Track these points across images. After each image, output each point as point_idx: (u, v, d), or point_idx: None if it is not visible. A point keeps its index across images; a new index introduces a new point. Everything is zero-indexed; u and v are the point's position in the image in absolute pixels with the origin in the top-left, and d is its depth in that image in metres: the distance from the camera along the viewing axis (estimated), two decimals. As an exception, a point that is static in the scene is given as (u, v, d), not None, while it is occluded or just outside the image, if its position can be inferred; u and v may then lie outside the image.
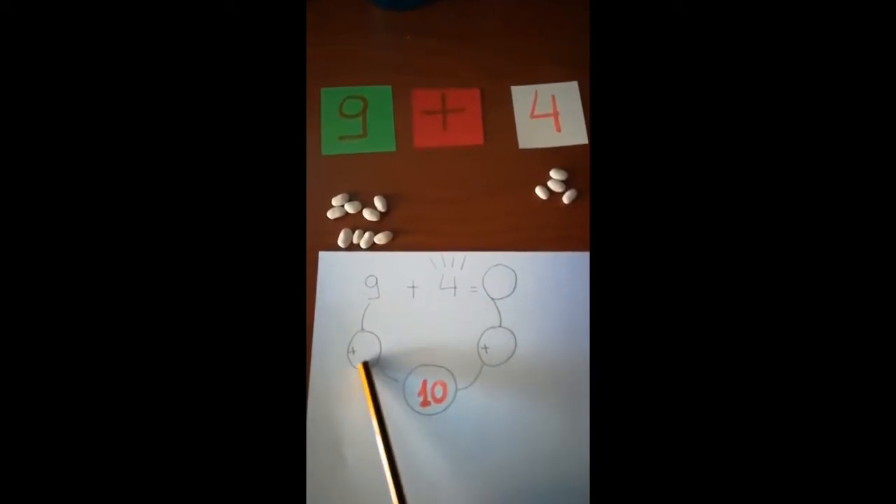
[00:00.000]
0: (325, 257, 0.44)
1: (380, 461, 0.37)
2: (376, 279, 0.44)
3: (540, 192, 0.47)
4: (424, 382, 0.42)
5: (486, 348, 0.43)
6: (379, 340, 0.43)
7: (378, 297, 0.43)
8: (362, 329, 0.43)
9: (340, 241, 0.45)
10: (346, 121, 0.49)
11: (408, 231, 0.46)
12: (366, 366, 0.39)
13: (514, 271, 0.45)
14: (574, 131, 0.50)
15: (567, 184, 0.48)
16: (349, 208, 0.46)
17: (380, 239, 0.45)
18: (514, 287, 0.44)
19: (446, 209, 0.46)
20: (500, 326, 0.43)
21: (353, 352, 0.42)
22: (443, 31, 0.53)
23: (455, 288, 0.44)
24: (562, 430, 0.41)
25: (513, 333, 0.43)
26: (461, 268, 0.45)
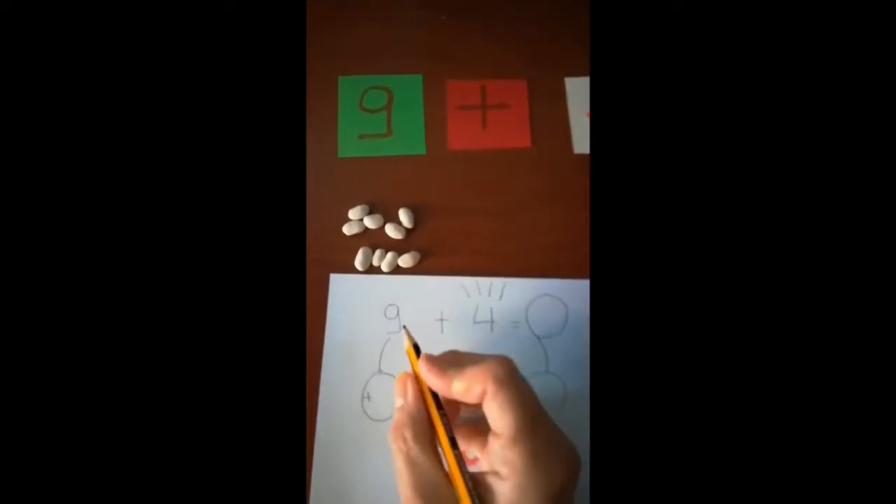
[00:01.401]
0: (337, 281, 0.41)
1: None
2: (397, 309, 0.40)
3: (599, 207, 0.42)
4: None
5: (529, 398, 0.39)
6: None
7: (399, 330, 0.40)
8: (380, 371, 0.39)
9: (358, 263, 0.41)
10: (368, 116, 0.46)
11: (439, 252, 0.42)
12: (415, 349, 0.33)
13: (564, 303, 0.41)
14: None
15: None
16: (369, 223, 0.42)
17: (405, 261, 0.41)
18: (565, 323, 0.40)
19: (485, 225, 0.43)
20: (546, 372, 0.39)
21: (369, 398, 0.38)
22: (483, 11, 0.50)
23: (492, 322, 0.40)
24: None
25: (562, 381, 0.39)
26: (500, 297, 0.41)
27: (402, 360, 0.38)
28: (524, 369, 0.38)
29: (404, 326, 0.34)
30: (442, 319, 0.40)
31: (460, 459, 0.28)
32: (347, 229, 0.42)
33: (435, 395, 0.31)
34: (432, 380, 0.29)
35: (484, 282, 0.41)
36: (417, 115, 0.46)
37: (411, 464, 0.27)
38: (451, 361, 0.30)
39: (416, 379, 0.31)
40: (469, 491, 0.27)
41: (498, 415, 0.27)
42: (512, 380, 0.28)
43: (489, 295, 0.41)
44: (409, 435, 0.28)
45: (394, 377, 0.38)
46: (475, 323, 0.40)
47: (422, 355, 0.30)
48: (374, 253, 0.41)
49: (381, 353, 0.39)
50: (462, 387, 0.28)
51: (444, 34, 0.48)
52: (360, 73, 0.47)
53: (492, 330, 0.40)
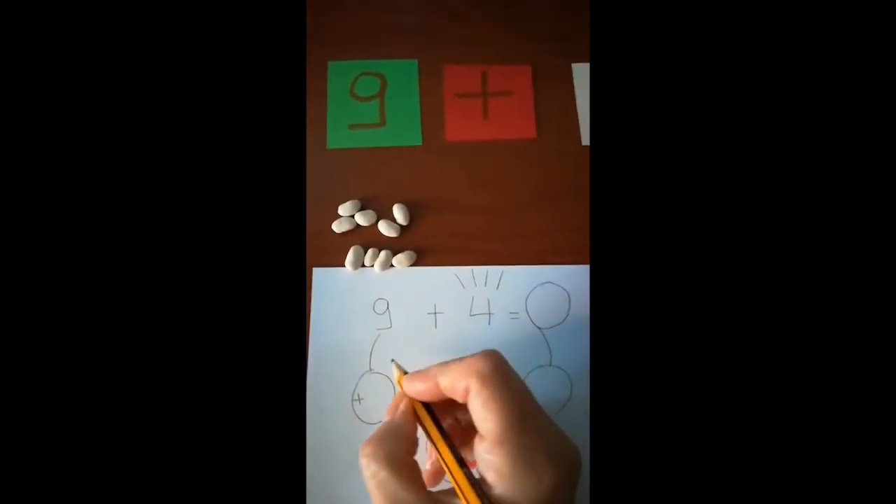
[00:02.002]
0: (320, 275, 0.40)
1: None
2: (387, 303, 0.39)
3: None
4: (452, 441, 0.37)
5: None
6: (392, 384, 0.38)
7: (390, 326, 0.39)
8: (370, 369, 0.38)
9: (348, 263, 0.40)
10: (359, 104, 0.45)
11: (435, 250, 0.41)
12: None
13: (566, 291, 0.40)
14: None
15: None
16: (360, 220, 0.41)
17: (400, 260, 0.40)
18: (568, 312, 0.39)
19: (486, 222, 0.42)
20: (549, 365, 0.38)
21: (360, 400, 0.37)
22: (485, -9, 0.49)
23: (490, 314, 0.39)
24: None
25: (567, 374, 0.38)
26: (497, 287, 0.40)
27: (394, 358, 0.37)
28: (526, 363, 0.39)
29: (393, 360, 0.33)
30: (436, 313, 0.39)
31: (472, 479, 0.27)
32: (337, 226, 0.41)
33: (438, 422, 0.30)
34: (418, 385, 0.29)
35: (480, 271, 0.40)
36: (413, 104, 0.45)
37: (380, 487, 0.26)
38: (437, 366, 0.29)
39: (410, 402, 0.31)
40: None
41: (482, 414, 0.26)
42: (497, 375, 0.27)
43: (485, 284, 0.40)
44: (380, 452, 0.27)
45: (386, 377, 0.38)
46: (471, 315, 0.39)
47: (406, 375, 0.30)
48: (366, 252, 0.40)
49: (371, 351, 0.38)
50: (447, 382, 0.27)
51: (441, 15, 0.47)
52: (350, 58, 0.46)
53: (489, 322, 0.39)
